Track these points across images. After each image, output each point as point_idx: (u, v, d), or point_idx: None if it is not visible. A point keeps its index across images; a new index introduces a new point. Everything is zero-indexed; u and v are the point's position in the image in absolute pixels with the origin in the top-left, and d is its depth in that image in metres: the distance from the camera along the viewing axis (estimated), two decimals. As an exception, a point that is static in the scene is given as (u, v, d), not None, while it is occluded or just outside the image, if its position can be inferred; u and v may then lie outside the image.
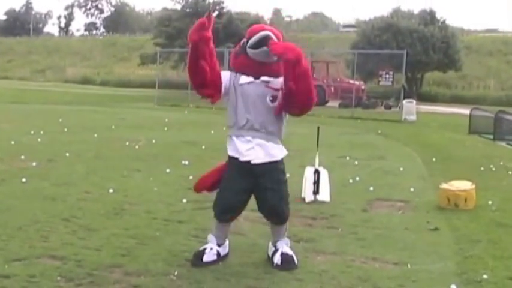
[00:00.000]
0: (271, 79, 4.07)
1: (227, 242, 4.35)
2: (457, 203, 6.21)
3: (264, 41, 3.94)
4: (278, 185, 4.13)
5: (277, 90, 4.03)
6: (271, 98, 4.06)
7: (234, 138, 4.15)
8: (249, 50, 4.01)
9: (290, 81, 3.86)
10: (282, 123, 4.19)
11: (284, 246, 4.25)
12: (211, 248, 4.21)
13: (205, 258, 4.15)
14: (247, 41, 4.01)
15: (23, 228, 4.87)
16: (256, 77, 4.07)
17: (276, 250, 4.23)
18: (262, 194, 4.13)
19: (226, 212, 4.19)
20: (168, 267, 4.04)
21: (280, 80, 4.00)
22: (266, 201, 4.14)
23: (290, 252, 4.21)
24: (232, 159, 4.15)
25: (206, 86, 4.12)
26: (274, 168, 4.12)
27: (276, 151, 4.14)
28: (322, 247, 4.68)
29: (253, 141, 4.08)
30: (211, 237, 4.27)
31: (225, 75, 4.17)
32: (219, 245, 4.25)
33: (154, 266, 4.06)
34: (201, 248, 4.24)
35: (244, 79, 4.08)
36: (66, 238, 4.65)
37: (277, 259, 4.16)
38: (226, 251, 4.33)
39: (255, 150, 4.08)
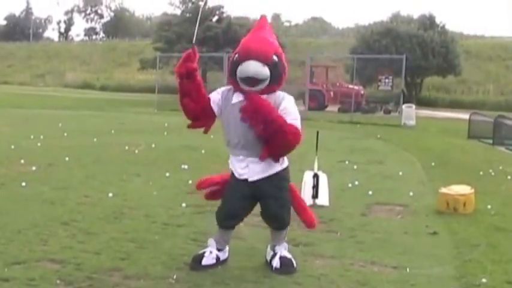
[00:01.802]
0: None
1: (227, 247, 4.36)
2: (456, 207, 6.22)
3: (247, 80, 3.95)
4: (280, 191, 4.15)
5: None
6: None
7: (231, 156, 4.20)
8: (238, 77, 4.00)
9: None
10: None
11: (283, 250, 4.26)
12: (211, 252, 4.22)
13: (204, 262, 4.17)
14: (238, 58, 3.99)
15: (22, 232, 4.88)
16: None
17: (275, 254, 4.24)
18: (264, 201, 4.16)
19: (229, 219, 4.22)
20: (167, 271, 4.05)
21: (273, 98, 4.00)
22: (268, 209, 4.17)
23: (289, 256, 4.23)
24: (233, 172, 4.21)
25: (197, 119, 4.20)
26: (275, 177, 4.12)
27: (273, 165, 4.11)
28: (321, 251, 4.69)
29: (246, 160, 4.09)
30: (211, 241, 4.28)
31: (216, 98, 4.16)
32: (218, 250, 4.26)
33: (154, 270, 4.07)
34: (201, 252, 4.25)
35: (236, 98, 4.07)
36: (65, 242, 4.66)
37: (276, 263, 4.17)
38: (226, 256, 4.34)
39: (250, 168, 4.09)
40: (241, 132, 4.02)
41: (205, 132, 4.30)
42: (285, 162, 4.23)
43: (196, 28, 4.38)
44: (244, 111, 3.93)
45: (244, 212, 4.24)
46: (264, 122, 3.87)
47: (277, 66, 4.00)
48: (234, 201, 4.17)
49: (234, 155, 4.16)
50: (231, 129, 4.08)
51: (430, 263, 4.47)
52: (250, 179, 4.09)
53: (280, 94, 4.10)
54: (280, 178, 4.17)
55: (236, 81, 4.03)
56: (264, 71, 3.93)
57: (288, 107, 4.03)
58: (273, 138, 3.91)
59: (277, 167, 4.13)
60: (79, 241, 4.70)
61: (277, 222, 4.22)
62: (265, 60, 3.94)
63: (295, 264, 4.19)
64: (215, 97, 4.17)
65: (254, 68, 3.91)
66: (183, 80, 4.05)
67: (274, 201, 4.12)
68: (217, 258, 4.23)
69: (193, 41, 4.18)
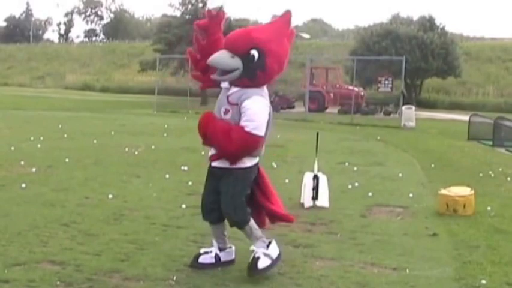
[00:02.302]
0: (235, 89, 4.01)
1: (233, 248, 4.36)
2: (456, 208, 6.22)
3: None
4: (227, 187, 4.04)
5: (232, 104, 3.97)
6: (224, 110, 3.99)
7: None
8: None
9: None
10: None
11: (256, 250, 4.13)
12: (211, 251, 4.24)
13: (201, 260, 4.20)
14: None
15: (22, 233, 4.89)
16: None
17: (254, 259, 4.10)
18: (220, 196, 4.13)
19: (206, 213, 4.25)
20: (167, 272, 4.06)
21: (240, 94, 3.95)
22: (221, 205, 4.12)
23: (259, 256, 4.07)
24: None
25: (197, 70, 4.35)
26: (230, 173, 4.05)
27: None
28: (321, 252, 4.69)
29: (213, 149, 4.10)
30: (213, 241, 4.32)
31: None
32: (220, 249, 4.27)
33: (153, 271, 4.07)
34: (202, 251, 4.28)
35: (224, 84, 4.09)
36: (65, 243, 4.67)
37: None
38: (232, 257, 4.34)
39: (212, 151, 4.10)
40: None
41: (200, 88, 4.48)
42: (244, 162, 4.06)
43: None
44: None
45: (216, 206, 4.14)
46: (204, 136, 3.97)
47: (252, 61, 3.90)
48: (206, 194, 4.23)
49: None
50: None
51: (429, 264, 4.48)
52: (212, 164, 4.11)
53: (248, 92, 3.95)
54: (235, 176, 4.05)
55: None
56: (230, 62, 3.89)
57: (246, 107, 3.89)
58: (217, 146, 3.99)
59: (236, 165, 4.04)
60: (79, 243, 4.71)
61: (227, 217, 4.13)
62: (234, 51, 3.90)
63: (258, 267, 4.02)
64: None
65: (217, 57, 3.93)
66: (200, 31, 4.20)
67: (223, 196, 4.07)
68: (218, 258, 4.24)
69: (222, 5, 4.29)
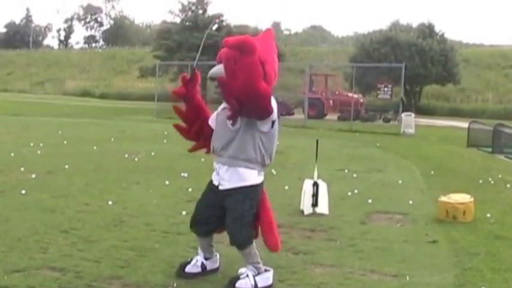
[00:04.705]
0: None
1: (217, 256, 4.35)
2: (456, 215, 6.23)
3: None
4: (238, 205, 3.99)
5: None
6: (231, 122, 3.98)
7: (214, 163, 4.20)
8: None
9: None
10: (251, 145, 3.98)
11: (244, 275, 4.00)
12: (197, 260, 4.23)
13: (188, 269, 4.18)
14: None
15: (22, 240, 4.89)
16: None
17: (239, 276, 4.02)
18: (226, 213, 4.07)
19: (196, 225, 4.21)
20: (167, 279, 4.06)
21: None
22: (225, 221, 4.06)
23: (241, 276, 4.00)
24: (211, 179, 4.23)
25: (195, 139, 4.29)
26: (239, 190, 4.02)
27: (245, 176, 4.01)
28: (320, 259, 4.69)
29: (217, 166, 4.10)
30: (199, 250, 4.32)
31: (213, 116, 4.21)
32: (206, 259, 4.26)
33: (153, 278, 4.07)
34: (189, 259, 4.28)
35: (222, 105, 4.09)
36: (65, 250, 4.67)
37: (231, 285, 3.99)
38: (216, 265, 4.33)
39: (220, 175, 4.08)
40: (217, 139, 4.05)
41: (207, 152, 4.29)
42: (255, 179, 4.05)
43: (198, 56, 4.35)
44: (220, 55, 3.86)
45: (213, 221, 4.13)
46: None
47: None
48: (202, 208, 4.18)
49: (215, 161, 4.16)
50: (215, 134, 4.11)
51: (429, 271, 4.48)
52: (220, 187, 4.07)
53: None
54: (245, 193, 4.00)
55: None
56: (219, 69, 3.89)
57: None
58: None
59: (247, 182, 4.01)
60: (79, 249, 4.71)
61: (230, 235, 4.03)
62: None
63: (236, 285, 3.94)
64: (213, 115, 4.21)
65: (215, 70, 3.92)
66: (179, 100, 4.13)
67: (229, 212, 4.01)
68: (204, 267, 4.23)
69: (195, 65, 4.12)
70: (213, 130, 4.15)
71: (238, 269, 4.06)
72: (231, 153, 3.99)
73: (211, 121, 4.19)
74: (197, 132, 4.24)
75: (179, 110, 4.26)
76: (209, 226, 4.16)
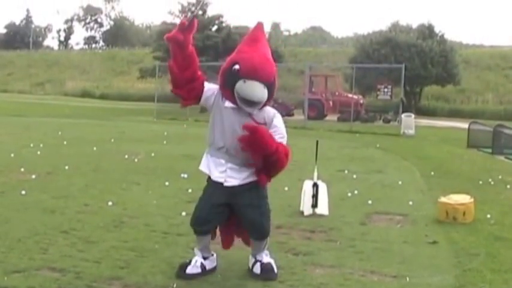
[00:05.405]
0: (255, 111, 4.01)
1: (214, 255, 4.36)
2: (456, 216, 6.22)
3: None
4: (258, 200, 4.12)
5: (259, 124, 3.97)
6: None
7: (209, 156, 4.17)
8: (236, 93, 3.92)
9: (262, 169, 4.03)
10: None
11: (264, 257, 4.28)
12: (196, 261, 4.23)
13: (188, 270, 4.17)
14: (239, 73, 3.87)
15: (22, 240, 4.89)
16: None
17: (256, 261, 4.27)
18: (242, 211, 4.13)
19: (199, 224, 4.20)
20: (167, 280, 4.05)
21: (264, 114, 4.03)
22: (246, 217, 4.13)
23: (270, 261, 4.28)
24: (206, 175, 4.21)
25: (177, 86, 4.08)
26: (254, 184, 4.09)
27: (253, 174, 4.09)
28: (320, 260, 4.69)
29: (226, 165, 4.09)
30: (196, 251, 4.31)
31: (210, 89, 4.10)
32: (204, 258, 4.27)
33: (153, 279, 4.07)
34: (188, 260, 4.27)
35: (229, 103, 4.03)
36: (65, 250, 4.66)
37: (256, 269, 4.22)
38: (214, 264, 4.34)
39: (227, 173, 4.08)
40: (229, 140, 4.01)
41: (183, 104, 4.19)
42: None
43: (195, 13, 4.31)
44: (245, 143, 3.87)
45: (215, 218, 4.17)
46: (265, 154, 3.91)
47: (273, 85, 4.00)
48: (205, 206, 4.16)
49: (213, 157, 4.13)
50: (219, 132, 4.07)
51: (429, 272, 4.47)
52: (226, 184, 4.08)
53: (270, 110, 4.09)
54: (258, 187, 4.13)
55: (232, 94, 3.93)
56: (266, 94, 3.93)
57: (278, 126, 4.07)
58: (270, 165, 4.00)
59: (256, 177, 4.09)
60: (79, 250, 4.70)
61: (256, 230, 4.17)
62: (267, 82, 3.92)
63: (275, 270, 4.22)
64: (210, 90, 4.10)
65: (260, 93, 3.88)
66: (173, 45, 3.99)
67: (252, 209, 4.09)
68: (203, 267, 4.23)
69: (194, 13, 4.07)
70: (203, 89, 4.07)
71: (250, 258, 4.34)
72: (246, 156, 3.99)
73: (207, 92, 4.09)
74: (189, 78, 4.05)
75: (175, 54, 4.04)
76: (212, 224, 4.21)
